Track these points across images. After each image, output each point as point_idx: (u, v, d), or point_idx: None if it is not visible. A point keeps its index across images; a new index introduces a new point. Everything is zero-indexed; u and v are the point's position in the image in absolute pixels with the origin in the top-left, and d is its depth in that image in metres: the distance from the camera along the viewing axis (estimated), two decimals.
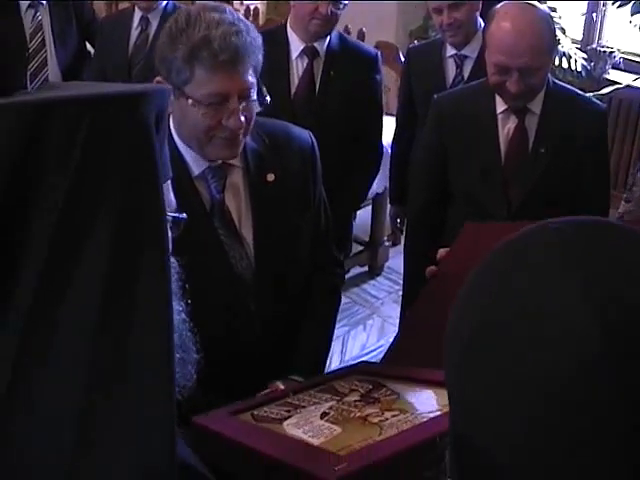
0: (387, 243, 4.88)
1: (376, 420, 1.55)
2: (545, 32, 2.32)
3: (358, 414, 1.59)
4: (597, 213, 2.49)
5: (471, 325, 0.71)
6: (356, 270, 4.78)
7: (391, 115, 4.45)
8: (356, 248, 4.76)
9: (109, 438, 0.88)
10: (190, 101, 1.77)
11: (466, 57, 3.21)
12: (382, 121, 3.39)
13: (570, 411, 0.62)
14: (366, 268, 4.84)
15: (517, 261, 0.71)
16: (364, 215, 4.74)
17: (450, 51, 3.25)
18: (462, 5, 3.11)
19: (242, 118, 1.78)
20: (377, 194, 4.46)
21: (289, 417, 1.64)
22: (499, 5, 2.42)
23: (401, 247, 4.71)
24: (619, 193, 5.12)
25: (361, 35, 4.82)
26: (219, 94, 1.76)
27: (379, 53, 3.34)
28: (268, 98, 1.87)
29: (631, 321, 0.63)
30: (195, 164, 1.90)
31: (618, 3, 5.00)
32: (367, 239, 4.82)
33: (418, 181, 2.80)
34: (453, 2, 3.09)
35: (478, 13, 3.18)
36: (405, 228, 3.20)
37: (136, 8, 3.91)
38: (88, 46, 4.44)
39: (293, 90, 3.09)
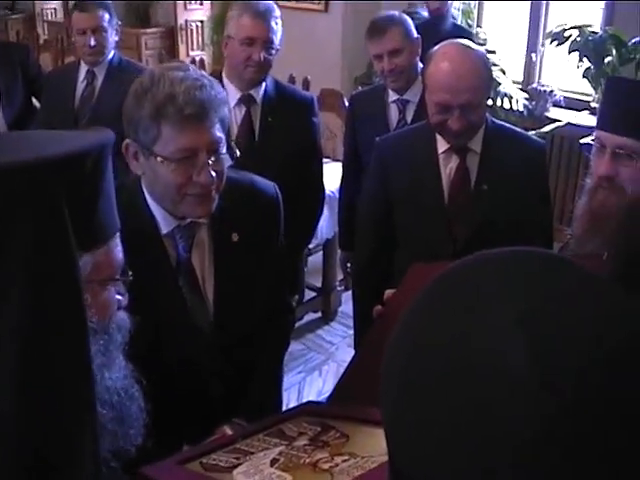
0: (339, 288, 4.88)
1: (326, 466, 1.52)
2: (483, 70, 2.37)
3: (308, 460, 1.56)
4: (542, 247, 2.52)
5: (402, 362, 0.70)
6: (310, 316, 4.77)
7: (338, 161, 4.51)
8: (309, 294, 4.76)
9: None
10: (159, 159, 1.76)
11: (408, 101, 3.26)
12: (322, 163, 3.41)
13: (507, 444, 0.61)
14: (319, 314, 4.82)
15: (449, 292, 0.71)
16: (315, 261, 4.75)
17: (392, 96, 3.29)
18: (402, 51, 3.16)
19: (212, 173, 1.77)
20: (327, 239, 4.47)
21: (238, 465, 1.60)
22: (436, 47, 2.45)
23: None
24: (564, 227, 5.21)
25: (306, 83, 4.88)
26: (187, 149, 1.75)
27: (315, 97, 3.37)
28: (238, 152, 1.87)
29: (559, 350, 0.63)
30: (164, 222, 1.90)
31: (556, 42, 5.13)
32: (319, 285, 4.81)
33: (364, 229, 2.79)
34: (393, 49, 3.14)
35: (418, 58, 3.23)
36: (353, 277, 3.19)
37: (82, 61, 3.93)
38: (35, 101, 4.44)
39: (233, 139, 3.08)
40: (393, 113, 3.29)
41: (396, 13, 3.41)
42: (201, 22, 8.74)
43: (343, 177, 3.61)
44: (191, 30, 8.73)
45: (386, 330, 1.78)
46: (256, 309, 2.05)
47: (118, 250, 1.25)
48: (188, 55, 8.45)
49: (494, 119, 2.57)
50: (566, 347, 0.63)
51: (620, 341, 0.64)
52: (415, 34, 3.29)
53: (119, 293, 1.29)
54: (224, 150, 1.81)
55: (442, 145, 2.47)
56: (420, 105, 3.05)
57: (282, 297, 2.22)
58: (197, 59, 6.61)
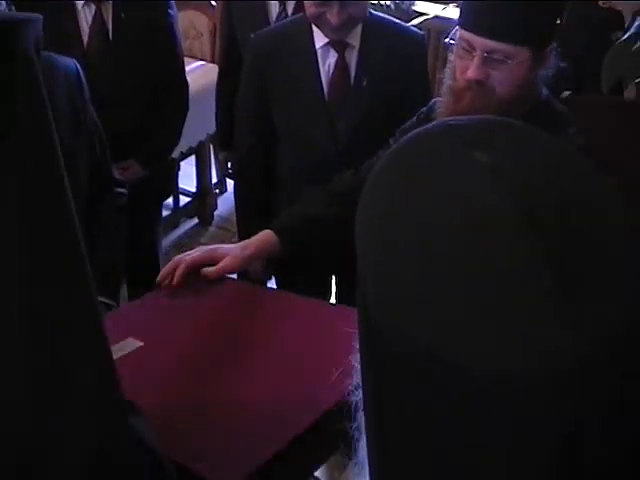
0: (215, 191, 4.79)
1: None
2: None
3: None
4: None
5: (380, 221, 0.67)
6: (186, 223, 4.68)
7: (205, 61, 4.37)
8: (183, 200, 4.66)
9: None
10: None
11: None
12: (182, 59, 3.24)
13: (492, 283, 0.60)
14: (196, 219, 4.73)
15: (417, 153, 0.69)
16: (187, 167, 4.61)
17: None
18: None
19: None
20: (200, 142, 4.34)
21: None
22: None
23: (229, 195, 4.69)
24: None
25: None
26: None
27: None
28: None
29: (535, 189, 0.62)
30: None
31: None
32: (194, 190, 4.71)
33: (242, 125, 2.72)
34: None
35: None
36: (234, 174, 3.12)
37: None
38: None
39: (85, 40, 2.88)
40: (273, 7, 3.15)
41: None
42: None
43: (220, 74, 3.47)
44: None
45: None
46: (80, 183, 2.05)
47: None
48: None
49: (372, 11, 2.50)
50: (541, 187, 0.62)
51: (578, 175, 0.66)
52: None
53: None
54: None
55: (320, 39, 2.40)
56: None
57: (107, 172, 2.26)
58: None
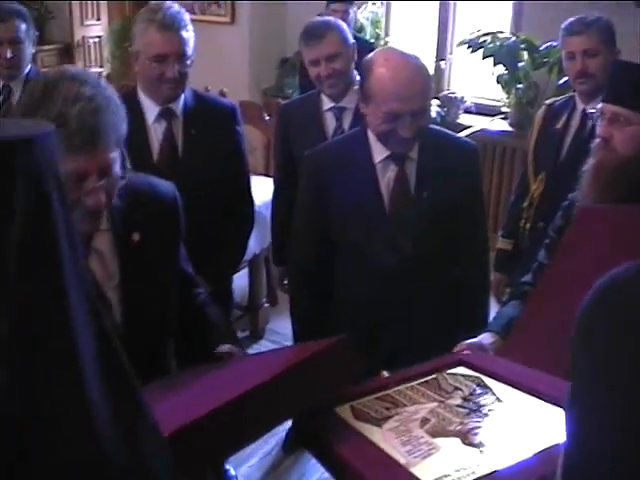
0: (266, 305, 4.77)
1: (477, 441, 1.49)
2: (426, 73, 2.35)
3: (459, 427, 1.54)
4: (480, 252, 2.59)
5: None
6: (238, 335, 4.62)
7: (259, 175, 4.40)
8: (235, 313, 4.62)
9: None
10: None
11: (345, 108, 3.18)
12: (249, 176, 3.26)
13: None
14: (247, 333, 4.70)
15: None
16: (240, 280, 4.60)
17: (327, 104, 3.21)
18: (339, 56, 3.10)
19: (102, 197, 1.69)
20: (255, 255, 4.34)
21: (388, 417, 1.61)
22: (372, 54, 2.39)
23: (280, 308, 4.66)
24: (490, 234, 5.23)
25: (222, 95, 4.74)
26: (76, 174, 1.64)
27: (237, 105, 3.20)
28: (128, 164, 1.79)
29: None
30: None
31: (471, 49, 5.18)
32: (245, 304, 4.68)
33: (299, 240, 2.68)
34: (330, 54, 3.07)
35: (354, 64, 3.17)
36: (290, 289, 3.09)
37: None
38: None
39: (155, 156, 2.91)
40: (329, 121, 3.21)
41: (331, 18, 3.34)
42: (99, 37, 8.51)
43: (276, 191, 3.50)
44: (89, 46, 8.50)
45: (564, 273, 1.92)
46: (169, 321, 2.00)
47: None
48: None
49: None
50: None
51: None
52: (351, 39, 3.22)
53: None
54: (118, 168, 1.72)
55: (379, 153, 2.41)
56: (357, 112, 2.94)
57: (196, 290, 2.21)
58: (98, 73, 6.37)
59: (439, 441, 1.49)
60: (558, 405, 1.53)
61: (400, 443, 1.50)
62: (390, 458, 1.45)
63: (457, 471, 1.37)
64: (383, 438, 1.53)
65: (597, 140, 2.19)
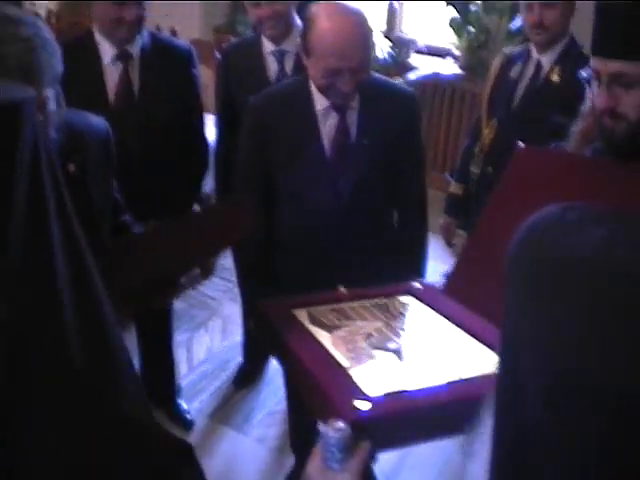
0: None
1: (410, 360, 1.72)
2: (367, 29, 2.35)
3: (397, 346, 1.78)
4: (417, 192, 2.62)
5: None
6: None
7: (211, 114, 4.39)
8: None
9: None
10: None
11: (286, 52, 3.15)
12: (203, 118, 3.28)
13: None
14: (198, 269, 4.72)
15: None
16: None
17: (269, 47, 3.17)
18: None
19: None
20: (206, 194, 4.36)
21: (338, 327, 1.87)
22: (315, 7, 2.36)
23: None
24: (439, 174, 5.34)
25: (173, 33, 4.71)
26: None
27: (192, 48, 3.20)
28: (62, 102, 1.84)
29: None
30: None
31: None
32: None
33: (242, 189, 2.71)
34: None
35: (294, 8, 3.15)
36: None
37: None
38: None
39: (111, 98, 2.92)
40: (271, 65, 3.18)
41: None
42: None
43: (219, 131, 3.47)
44: None
45: (499, 214, 1.88)
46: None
47: None
48: (34, 3, 7.99)
49: None
50: None
51: None
52: None
53: None
54: (53, 105, 1.78)
55: (320, 102, 2.43)
56: (298, 57, 2.90)
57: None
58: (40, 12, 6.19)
59: (378, 354, 1.74)
60: (491, 348, 1.73)
61: (345, 349, 1.75)
62: (334, 359, 1.70)
63: (389, 381, 1.61)
64: (331, 343, 1.78)
65: (592, 106, 1.70)
